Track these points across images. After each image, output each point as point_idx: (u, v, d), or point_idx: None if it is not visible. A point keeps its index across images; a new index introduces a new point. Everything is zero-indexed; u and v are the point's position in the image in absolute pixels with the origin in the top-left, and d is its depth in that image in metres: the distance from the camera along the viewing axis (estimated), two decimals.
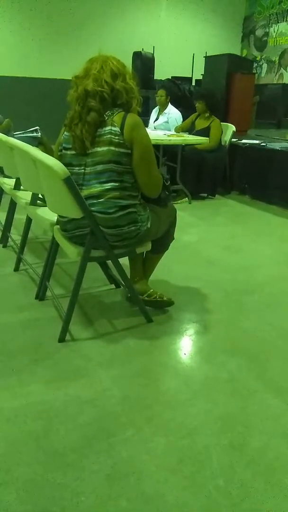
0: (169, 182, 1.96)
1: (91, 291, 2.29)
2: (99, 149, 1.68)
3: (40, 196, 2.23)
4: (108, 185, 1.70)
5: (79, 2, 7.08)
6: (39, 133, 3.67)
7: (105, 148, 1.67)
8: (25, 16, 6.85)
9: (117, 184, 1.71)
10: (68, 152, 1.74)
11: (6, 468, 1.22)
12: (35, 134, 3.60)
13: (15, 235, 2.89)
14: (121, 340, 1.87)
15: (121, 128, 1.67)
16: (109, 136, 1.67)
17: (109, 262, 2.15)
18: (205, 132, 4.45)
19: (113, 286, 2.36)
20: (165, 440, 1.35)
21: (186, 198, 4.33)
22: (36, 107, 6.74)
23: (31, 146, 1.82)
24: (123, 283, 2.01)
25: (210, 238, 3.33)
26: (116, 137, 1.67)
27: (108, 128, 1.67)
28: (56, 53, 7.08)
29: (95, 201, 1.71)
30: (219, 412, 1.48)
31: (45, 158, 1.60)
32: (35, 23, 6.92)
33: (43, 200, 2.20)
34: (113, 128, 1.67)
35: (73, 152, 1.73)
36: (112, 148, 1.67)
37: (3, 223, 2.88)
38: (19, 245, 2.53)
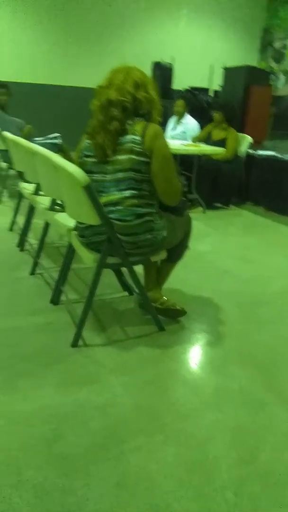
0: (187, 191, 1.98)
1: (104, 298, 2.31)
2: (119, 157, 1.71)
3: (58, 201, 2.26)
4: (127, 193, 1.73)
5: (101, 12, 7.20)
6: (60, 140, 3.73)
7: (125, 156, 1.70)
8: (49, 24, 6.99)
9: (135, 192, 1.73)
10: (89, 159, 1.77)
11: (17, 470, 1.23)
12: (55, 140, 3.66)
13: (32, 239, 2.93)
14: (133, 347, 1.88)
15: (142, 137, 1.70)
16: (130, 144, 1.70)
17: (124, 269, 2.18)
18: (221, 143, 4.47)
19: (126, 293, 2.38)
20: (175, 450, 1.35)
21: (201, 208, 4.34)
22: (56, 114, 6.84)
23: (53, 153, 1.85)
24: (136, 290, 2.02)
25: (223, 248, 3.33)
26: (137, 146, 1.69)
27: (129, 137, 1.70)
28: (77, 62, 7.20)
29: (113, 208, 1.73)
30: (229, 423, 1.48)
31: (67, 165, 1.63)
32: (58, 31, 7.05)
33: (61, 205, 2.24)
34: (134, 137, 1.70)
35: (94, 159, 1.76)
36: (133, 156, 1.70)
37: (21, 227, 2.92)
38: (36, 249, 2.57)
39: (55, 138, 3.73)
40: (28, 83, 6.79)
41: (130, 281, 2.23)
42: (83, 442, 1.35)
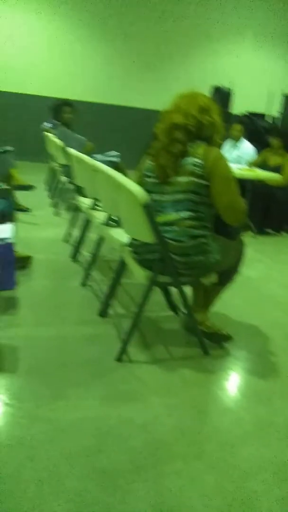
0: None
1: (150, 315, 2.33)
2: (180, 179, 1.75)
3: (113, 217, 2.33)
4: (183, 214, 1.76)
5: (164, 36, 7.43)
6: (118, 159, 3.85)
7: (186, 178, 1.74)
8: (114, 46, 7.31)
9: (192, 213, 1.76)
10: (150, 180, 1.83)
11: (59, 478, 1.25)
12: (114, 159, 3.78)
13: (85, 252, 3.02)
14: (176, 368, 1.87)
15: (204, 160, 1.73)
16: (191, 167, 1.73)
17: (172, 288, 2.19)
18: (277, 169, 4.41)
19: (172, 312, 2.38)
20: (214, 479, 1.32)
21: (251, 233, 4.28)
22: (115, 133, 7.07)
23: (115, 171, 1.92)
24: (183, 311, 2.02)
25: (273, 276, 3.25)
26: (198, 169, 1.73)
27: (190, 159, 1.74)
28: (138, 83, 7.43)
29: (169, 228, 1.76)
30: (272, 458, 1.42)
31: (128, 183, 1.69)
32: (123, 54, 7.35)
33: (116, 221, 2.30)
34: (196, 160, 1.73)
35: (154, 180, 1.81)
36: (193, 178, 1.73)
37: (76, 239, 3.04)
38: (88, 261, 2.65)
39: (113, 156, 3.86)
40: (91, 102, 7.10)
41: (177, 300, 2.25)
42: (123, 459, 1.35)
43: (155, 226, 1.70)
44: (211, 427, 1.55)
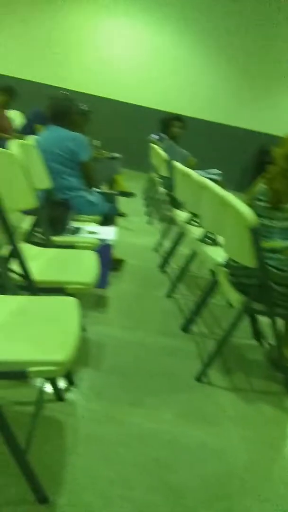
0: None
1: (233, 340, 2.25)
2: None
3: (210, 235, 2.31)
4: None
5: (282, 59, 7.30)
6: (220, 177, 3.84)
7: None
8: (230, 67, 7.36)
9: None
10: (261, 203, 1.79)
11: (128, 483, 1.26)
12: (215, 176, 3.78)
13: (174, 264, 3.04)
14: (256, 401, 1.79)
15: None
16: None
17: (260, 317, 2.11)
18: None
19: (255, 341, 2.28)
20: None
21: None
22: (219, 151, 7.06)
23: (223, 189, 1.91)
24: (270, 342, 1.92)
25: None
26: None
27: None
28: (251, 105, 7.37)
29: (273, 255, 1.70)
30: None
31: (237, 203, 1.66)
32: (240, 76, 7.37)
33: (212, 239, 2.28)
34: None
35: (265, 204, 1.77)
36: None
37: (166, 250, 3.07)
38: (176, 274, 2.66)
39: (214, 174, 3.85)
40: (198, 118, 7.19)
41: (265, 331, 2.15)
42: (194, 481, 1.32)
43: (259, 251, 1.64)
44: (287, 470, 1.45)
